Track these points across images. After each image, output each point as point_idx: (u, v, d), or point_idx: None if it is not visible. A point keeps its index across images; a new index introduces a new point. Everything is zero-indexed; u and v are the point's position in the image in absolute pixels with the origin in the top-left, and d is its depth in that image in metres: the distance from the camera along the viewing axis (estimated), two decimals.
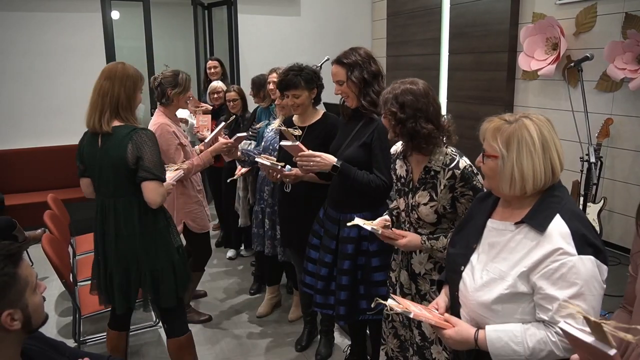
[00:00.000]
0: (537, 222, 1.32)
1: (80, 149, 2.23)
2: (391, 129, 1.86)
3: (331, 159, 2.23)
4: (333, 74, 2.32)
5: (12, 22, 4.83)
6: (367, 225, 1.91)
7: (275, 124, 3.16)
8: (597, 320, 1.01)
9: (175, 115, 3.01)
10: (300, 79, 2.52)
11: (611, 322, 1.03)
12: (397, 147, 2.04)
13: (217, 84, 4.42)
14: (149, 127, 2.69)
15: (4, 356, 1.28)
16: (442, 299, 1.61)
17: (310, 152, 2.25)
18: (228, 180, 3.62)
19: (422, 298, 1.92)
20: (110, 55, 5.20)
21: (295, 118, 2.74)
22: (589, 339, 1.03)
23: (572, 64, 3.35)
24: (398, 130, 1.82)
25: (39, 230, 4.21)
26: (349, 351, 2.81)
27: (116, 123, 2.12)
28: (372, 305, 2.08)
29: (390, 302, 1.51)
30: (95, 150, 2.15)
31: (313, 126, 2.64)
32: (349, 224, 1.96)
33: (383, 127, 2.23)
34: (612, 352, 0.98)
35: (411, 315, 1.44)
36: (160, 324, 2.98)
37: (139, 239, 2.18)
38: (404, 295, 1.99)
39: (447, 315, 1.48)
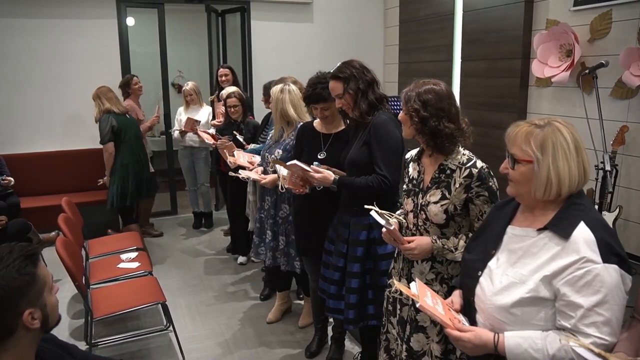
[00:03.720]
0: (561, 228, 1.31)
1: (114, 128, 4.31)
2: (412, 126, 1.83)
3: (330, 175, 2.33)
4: (331, 89, 2.39)
5: (30, 29, 4.91)
6: (380, 217, 1.82)
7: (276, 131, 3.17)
8: (603, 352, 1.06)
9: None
10: (328, 92, 2.48)
11: (620, 354, 1.10)
12: (411, 153, 2.03)
13: (231, 89, 4.36)
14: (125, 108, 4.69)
15: (23, 355, 1.30)
16: (456, 297, 1.58)
17: (312, 169, 2.36)
18: (230, 173, 3.50)
19: (417, 310, 1.87)
20: (125, 61, 5.28)
21: (316, 123, 2.73)
22: None
23: (587, 71, 3.32)
24: (419, 128, 1.80)
25: (53, 233, 4.27)
26: (359, 358, 2.80)
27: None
28: (388, 282, 2.05)
29: (411, 288, 1.49)
30: (128, 121, 4.49)
31: (339, 134, 2.65)
32: (366, 206, 1.89)
33: (377, 122, 2.27)
34: None
35: (417, 305, 1.42)
36: (171, 328, 3.02)
37: (148, 160, 4.79)
38: (402, 304, 1.97)
39: (461, 326, 1.43)
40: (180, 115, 5.06)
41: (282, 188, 2.65)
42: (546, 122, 1.36)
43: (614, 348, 1.25)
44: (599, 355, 1.13)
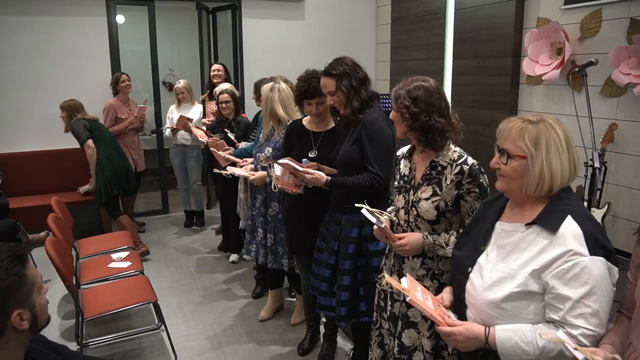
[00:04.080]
0: (549, 222, 1.33)
1: (87, 126, 4.38)
2: (403, 123, 1.83)
3: (322, 177, 2.31)
4: (323, 86, 2.37)
5: (18, 26, 4.86)
6: (371, 215, 1.82)
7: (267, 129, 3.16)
8: (579, 347, 1.15)
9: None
10: None
11: (606, 347, 1.21)
12: (402, 150, 2.04)
13: (225, 86, 4.30)
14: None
15: (12, 356, 1.29)
16: (447, 293, 1.60)
17: (303, 170, 2.35)
18: (214, 170, 3.54)
19: (408, 305, 1.88)
20: (115, 59, 5.24)
21: (306, 122, 2.73)
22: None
23: (577, 69, 3.34)
24: (410, 125, 1.81)
25: (43, 233, 4.23)
26: (351, 355, 2.80)
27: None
28: (378, 277, 2.05)
29: (402, 282, 1.49)
30: (98, 123, 4.58)
31: (329, 132, 2.64)
32: (356, 204, 1.88)
33: (369, 120, 2.26)
34: None
35: (407, 299, 1.43)
36: (162, 327, 3.00)
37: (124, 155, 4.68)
38: (393, 301, 1.97)
39: (452, 321, 1.45)
40: (172, 114, 5.03)
41: (274, 187, 2.65)
42: (539, 119, 1.38)
43: (602, 340, 1.28)
44: (575, 349, 1.17)
